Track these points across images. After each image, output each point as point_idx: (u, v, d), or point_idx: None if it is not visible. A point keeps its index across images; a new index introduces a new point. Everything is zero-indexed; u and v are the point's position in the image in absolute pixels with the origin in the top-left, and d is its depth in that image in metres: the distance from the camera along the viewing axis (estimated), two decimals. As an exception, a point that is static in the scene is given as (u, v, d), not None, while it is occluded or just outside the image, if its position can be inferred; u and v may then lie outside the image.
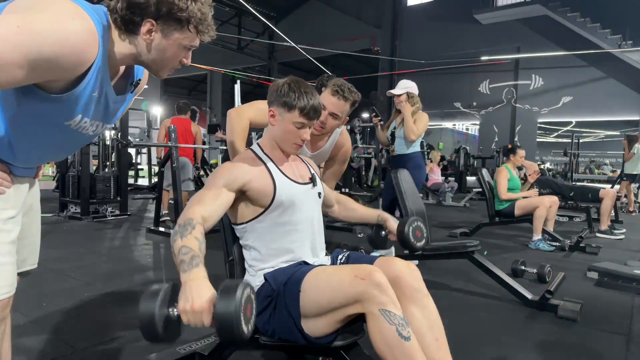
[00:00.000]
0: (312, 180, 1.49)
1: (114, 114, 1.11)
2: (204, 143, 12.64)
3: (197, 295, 0.99)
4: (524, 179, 5.62)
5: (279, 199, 1.36)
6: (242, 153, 1.50)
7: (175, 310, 1.00)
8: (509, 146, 4.76)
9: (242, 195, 1.37)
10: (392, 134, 3.55)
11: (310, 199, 1.46)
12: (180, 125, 5.08)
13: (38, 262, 1.28)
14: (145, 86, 1.23)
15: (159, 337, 0.97)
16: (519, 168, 4.78)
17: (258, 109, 1.78)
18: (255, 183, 1.35)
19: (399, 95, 3.43)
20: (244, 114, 1.78)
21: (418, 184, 3.43)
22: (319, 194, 1.50)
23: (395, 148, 3.52)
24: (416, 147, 3.48)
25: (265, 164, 1.41)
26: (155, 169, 9.05)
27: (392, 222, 1.64)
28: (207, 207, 1.25)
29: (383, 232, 1.70)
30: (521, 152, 4.62)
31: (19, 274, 1.21)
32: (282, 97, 1.36)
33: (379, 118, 3.74)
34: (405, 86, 3.47)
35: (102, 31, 0.92)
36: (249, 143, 1.86)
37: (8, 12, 0.84)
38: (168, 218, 5.19)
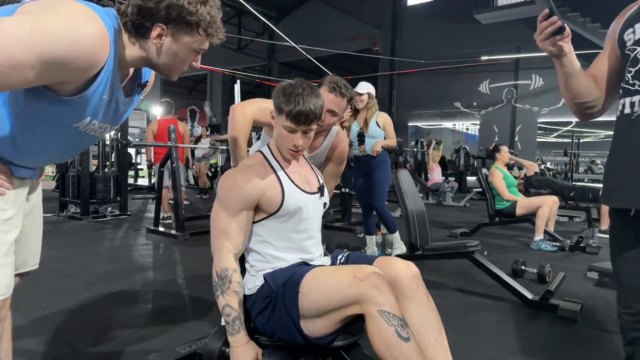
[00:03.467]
0: (320, 190, 1.47)
1: (122, 116, 1.11)
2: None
3: None
4: (524, 178, 5.63)
5: (285, 208, 1.35)
6: (251, 157, 1.47)
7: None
8: (491, 148, 4.87)
9: None
10: (361, 135, 3.59)
11: (316, 208, 1.45)
12: (167, 125, 4.91)
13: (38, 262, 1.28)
14: (146, 86, 1.23)
15: None
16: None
17: (261, 108, 1.78)
18: (266, 194, 1.34)
19: (361, 95, 3.51)
20: (248, 111, 1.77)
21: (387, 176, 3.54)
22: (325, 204, 1.50)
23: (365, 148, 3.58)
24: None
25: (274, 169, 1.39)
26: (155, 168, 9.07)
27: None
28: (235, 240, 1.33)
29: None
30: (504, 149, 4.70)
31: (20, 275, 1.21)
32: (276, 99, 1.34)
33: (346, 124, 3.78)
34: (367, 87, 3.56)
35: (114, 34, 0.92)
36: (249, 143, 1.85)
37: (21, 13, 0.84)
38: (170, 220, 5.18)
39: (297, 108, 1.29)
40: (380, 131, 3.57)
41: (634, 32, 1.08)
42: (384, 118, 3.61)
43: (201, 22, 0.96)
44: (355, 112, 3.59)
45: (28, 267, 1.23)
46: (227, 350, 1.32)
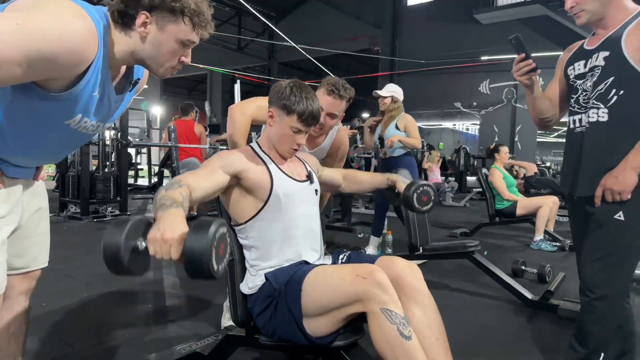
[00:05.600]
0: (309, 178, 1.50)
1: (114, 114, 1.12)
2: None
3: (170, 226, 0.93)
4: (524, 179, 5.63)
5: (275, 192, 1.37)
6: (240, 148, 1.54)
7: (144, 242, 0.94)
8: (491, 147, 4.91)
9: (238, 185, 1.38)
10: (381, 138, 3.58)
11: (308, 195, 1.48)
12: (184, 126, 5.08)
13: None
14: (145, 86, 1.24)
15: (123, 268, 0.91)
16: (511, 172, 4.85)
17: (259, 107, 1.79)
18: (251, 173, 1.36)
19: (384, 98, 3.48)
20: (247, 111, 1.79)
21: (414, 177, 3.50)
22: (316, 190, 1.52)
23: (387, 151, 3.57)
24: (405, 149, 3.56)
25: (263, 160, 1.43)
26: (155, 168, 9.10)
27: (401, 184, 1.67)
28: (198, 178, 1.24)
29: (396, 191, 1.72)
30: (504, 149, 4.73)
31: (33, 272, 1.25)
32: (282, 100, 1.37)
33: (376, 119, 3.74)
34: (392, 90, 3.53)
35: (103, 31, 0.92)
36: (248, 142, 1.86)
37: (9, 10, 0.85)
38: None
39: (309, 109, 1.35)
40: (399, 134, 3.53)
41: (574, 68, 1.47)
42: (405, 120, 3.54)
43: (185, 10, 0.96)
44: (381, 113, 3.58)
45: (40, 265, 1.27)
46: (141, 242, 0.94)
